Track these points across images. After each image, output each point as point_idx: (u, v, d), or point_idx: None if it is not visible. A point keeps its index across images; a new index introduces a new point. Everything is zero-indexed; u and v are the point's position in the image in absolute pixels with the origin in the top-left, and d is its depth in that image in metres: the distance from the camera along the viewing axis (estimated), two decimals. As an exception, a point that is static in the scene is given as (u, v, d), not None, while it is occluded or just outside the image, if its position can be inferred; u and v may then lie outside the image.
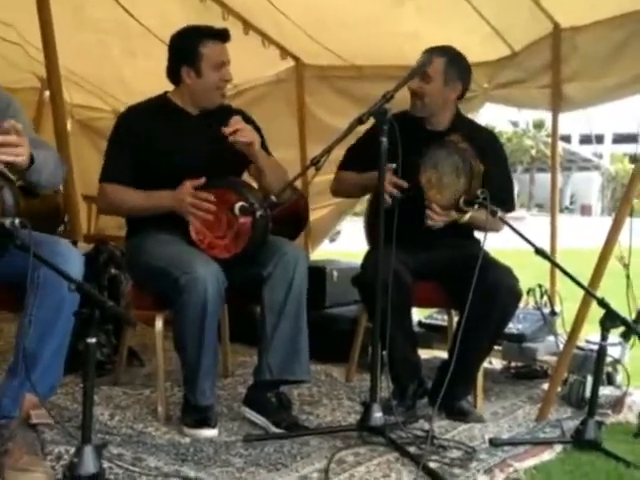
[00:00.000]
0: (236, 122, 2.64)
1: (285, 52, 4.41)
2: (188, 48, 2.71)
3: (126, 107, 2.87)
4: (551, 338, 3.46)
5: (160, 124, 2.76)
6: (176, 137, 2.75)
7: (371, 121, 2.49)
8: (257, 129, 2.90)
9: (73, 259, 2.13)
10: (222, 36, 2.74)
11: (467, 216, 2.73)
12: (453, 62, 2.87)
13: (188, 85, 2.75)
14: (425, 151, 2.76)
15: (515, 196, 3.08)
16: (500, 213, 2.59)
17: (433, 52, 2.83)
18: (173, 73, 2.77)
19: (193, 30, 2.75)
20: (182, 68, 2.73)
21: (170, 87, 2.84)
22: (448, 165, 2.72)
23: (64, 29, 3.50)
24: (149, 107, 2.82)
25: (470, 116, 3.40)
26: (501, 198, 2.77)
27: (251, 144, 2.65)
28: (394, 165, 2.61)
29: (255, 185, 2.77)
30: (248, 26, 4.09)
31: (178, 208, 2.62)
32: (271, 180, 2.69)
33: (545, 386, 3.20)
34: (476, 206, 2.63)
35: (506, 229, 2.69)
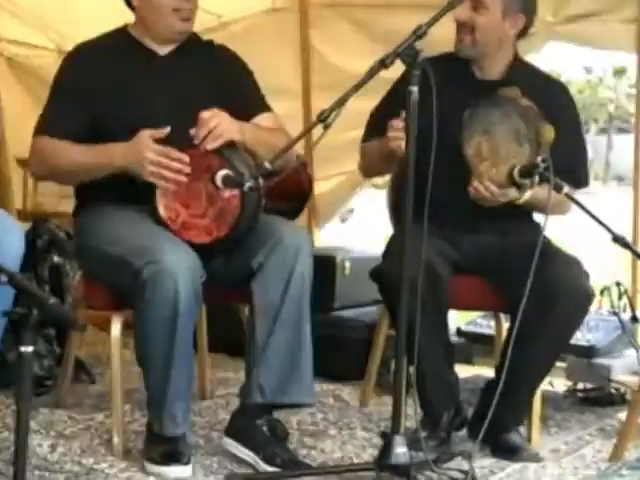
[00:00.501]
0: (204, 121, 2.57)
1: (284, -26, 4.40)
2: None
3: (75, 45, 2.87)
4: (631, 352, 3.46)
5: (116, 67, 2.76)
6: (137, 84, 2.75)
7: (399, 68, 2.48)
8: (247, 74, 2.90)
9: (10, 234, 2.13)
10: None
11: (527, 194, 2.71)
12: None
13: (138, 9, 2.77)
14: (471, 111, 2.75)
15: (589, 167, 3.07)
16: (567, 188, 2.59)
17: None
18: None
19: None
20: None
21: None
22: (505, 130, 2.72)
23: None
24: (103, 45, 2.83)
25: (528, 59, 3.39)
26: (571, 170, 2.76)
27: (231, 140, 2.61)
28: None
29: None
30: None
31: (134, 165, 2.57)
32: (264, 155, 2.62)
33: (622, 415, 3.20)
34: (536, 179, 2.61)
35: (574, 210, 2.68)
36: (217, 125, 2.58)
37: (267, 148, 2.67)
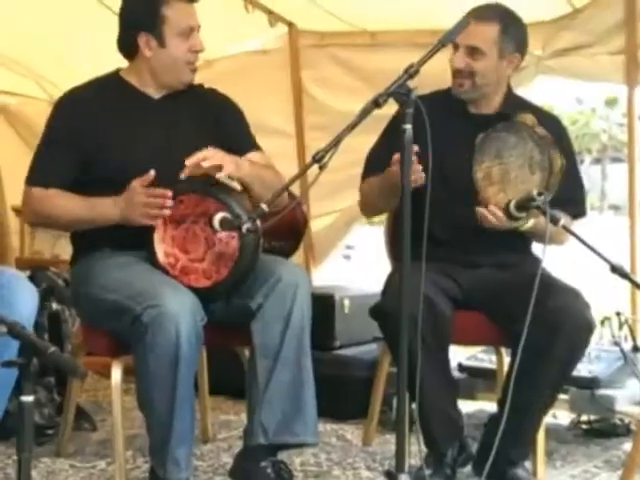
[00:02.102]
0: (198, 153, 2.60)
1: (274, 16, 4.44)
2: (147, 9, 2.73)
3: (66, 91, 2.89)
4: (634, 382, 3.45)
5: (110, 112, 2.78)
6: (131, 129, 2.77)
7: (393, 104, 2.50)
8: (237, 114, 2.92)
9: (23, 294, 2.15)
10: None
11: (531, 221, 2.72)
12: (509, 28, 2.89)
13: (147, 59, 2.77)
14: (484, 136, 2.77)
15: (586, 198, 3.08)
16: (564, 220, 2.59)
17: (480, 16, 2.83)
18: (127, 43, 2.79)
19: None
20: (139, 36, 2.75)
21: (123, 64, 2.87)
22: (518, 155, 2.73)
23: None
24: (95, 90, 2.85)
25: (519, 93, 3.41)
26: (569, 202, 2.77)
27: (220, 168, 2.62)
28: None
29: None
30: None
31: (129, 214, 2.60)
32: (261, 193, 2.67)
33: (627, 446, 3.20)
34: (531, 211, 2.62)
35: (573, 240, 2.69)
36: (212, 155, 2.60)
37: (261, 183, 2.70)
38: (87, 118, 2.76)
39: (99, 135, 2.74)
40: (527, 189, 2.67)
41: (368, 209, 3.21)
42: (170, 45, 2.74)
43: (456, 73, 2.93)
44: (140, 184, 2.59)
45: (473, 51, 2.87)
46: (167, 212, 2.60)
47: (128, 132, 2.77)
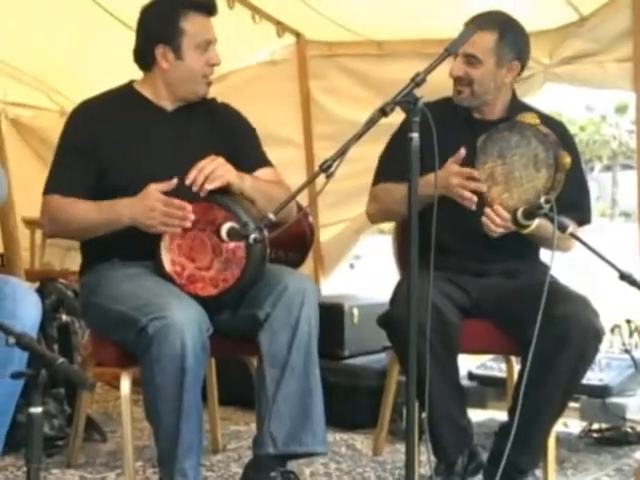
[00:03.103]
0: (200, 166, 2.61)
1: (282, 27, 4.46)
2: (165, 21, 2.75)
3: (80, 102, 2.91)
4: (645, 390, 3.45)
5: (122, 123, 2.79)
6: (145, 140, 2.79)
7: (400, 112, 2.50)
8: (249, 130, 2.93)
9: (27, 304, 2.15)
10: (207, 7, 2.79)
11: (534, 224, 2.72)
12: (507, 36, 2.89)
13: (164, 70, 2.79)
14: (486, 135, 2.76)
15: (591, 205, 3.08)
16: (572, 227, 2.59)
17: (479, 23, 2.83)
18: (144, 55, 2.81)
19: (169, 0, 2.79)
20: (157, 48, 2.76)
21: (136, 77, 2.88)
22: (522, 154, 2.71)
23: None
24: (109, 101, 2.86)
25: (527, 101, 3.42)
26: (575, 209, 2.76)
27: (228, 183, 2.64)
28: (462, 152, 2.62)
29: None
30: (233, -3, 4.14)
31: (144, 220, 2.60)
32: (266, 207, 2.62)
33: (639, 454, 3.20)
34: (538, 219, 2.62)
35: (581, 247, 2.68)
36: (214, 169, 2.61)
37: (266, 198, 2.70)
38: (100, 129, 2.77)
39: (112, 146, 2.75)
40: (534, 187, 2.66)
41: (379, 214, 3.18)
42: (187, 58, 2.76)
43: (455, 81, 2.94)
44: (158, 189, 2.59)
45: (470, 59, 2.88)
46: (188, 224, 2.60)
47: (141, 144, 2.78)
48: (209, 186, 2.59)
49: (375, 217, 3.22)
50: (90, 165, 2.75)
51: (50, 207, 2.76)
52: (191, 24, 2.75)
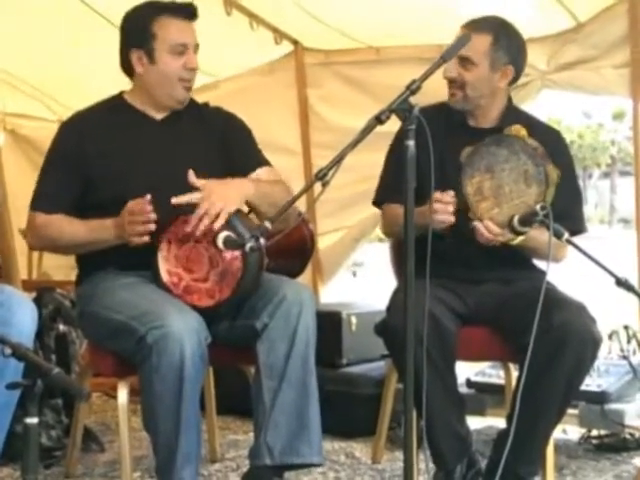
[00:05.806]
0: (200, 206, 2.55)
1: (280, 34, 4.47)
2: (138, 26, 2.76)
3: (70, 115, 2.92)
4: (644, 396, 3.44)
5: (112, 135, 2.79)
6: (134, 152, 2.78)
7: (395, 120, 2.50)
8: (244, 130, 2.92)
9: (22, 312, 2.15)
10: (185, 12, 2.78)
11: (520, 237, 2.72)
12: (501, 39, 2.89)
13: (141, 75, 2.79)
14: (472, 149, 2.76)
15: (584, 214, 3.07)
16: (567, 235, 2.59)
17: (474, 27, 2.85)
18: (123, 60, 2.83)
19: (146, 4, 2.80)
20: (132, 52, 2.78)
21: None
22: (511, 169, 2.71)
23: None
24: (98, 113, 2.87)
25: (524, 107, 3.42)
26: (568, 217, 2.76)
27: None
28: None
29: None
30: (230, 4, 4.14)
31: (123, 235, 2.60)
32: (269, 211, 2.63)
33: (638, 461, 3.19)
34: (534, 226, 2.62)
35: (579, 254, 2.68)
36: (211, 205, 2.55)
37: (269, 202, 2.69)
38: (90, 141, 2.77)
39: (101, 158, 2.75)
40: (525, 203, 2.66)
41: (392, 234, 3.19)
42: (160, 61, 2.76)
43: (449, 83, 2.94)
44: (132, 207, 2.58)
45: (464, 61, 2.88)
46: (152, 227, 2.56)
47: (132, 155, 2.78)
48: (217, 225, 2.54)
49: (389, 235, 3.24)
50: (77, 180, 2.75)
51: (35, 225, 2.77)
52: (165, 28, 2.75)
